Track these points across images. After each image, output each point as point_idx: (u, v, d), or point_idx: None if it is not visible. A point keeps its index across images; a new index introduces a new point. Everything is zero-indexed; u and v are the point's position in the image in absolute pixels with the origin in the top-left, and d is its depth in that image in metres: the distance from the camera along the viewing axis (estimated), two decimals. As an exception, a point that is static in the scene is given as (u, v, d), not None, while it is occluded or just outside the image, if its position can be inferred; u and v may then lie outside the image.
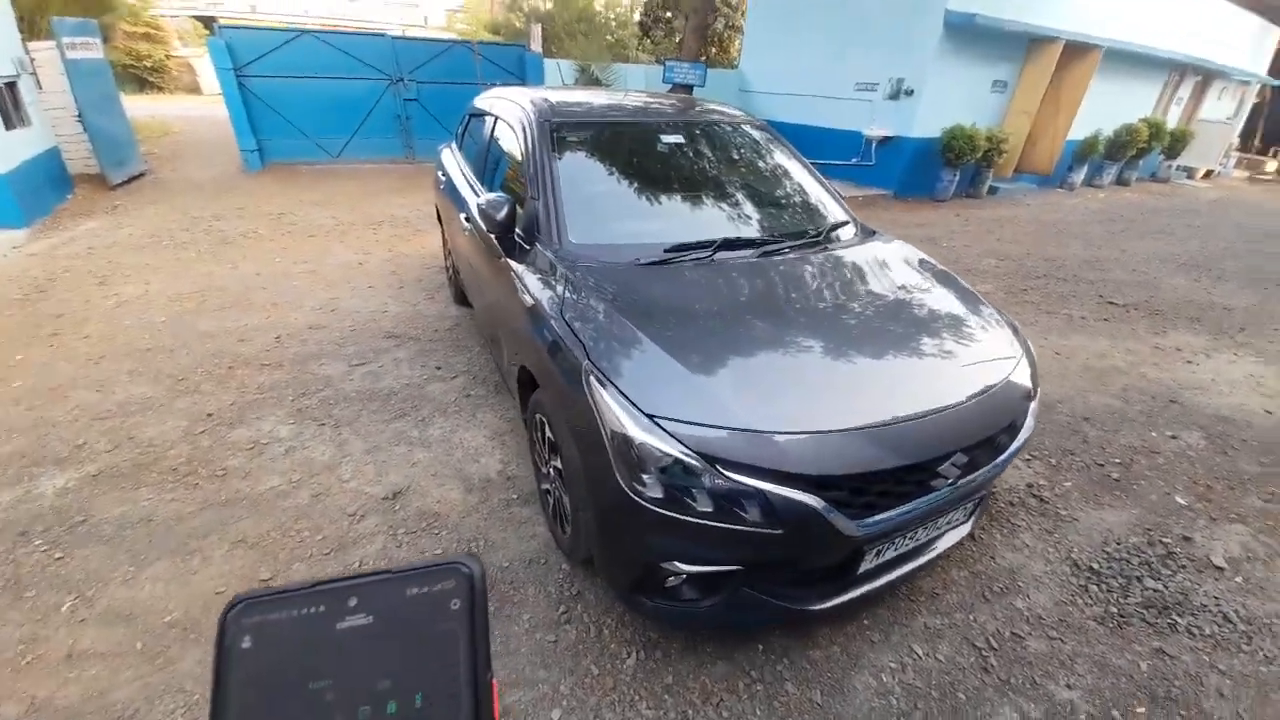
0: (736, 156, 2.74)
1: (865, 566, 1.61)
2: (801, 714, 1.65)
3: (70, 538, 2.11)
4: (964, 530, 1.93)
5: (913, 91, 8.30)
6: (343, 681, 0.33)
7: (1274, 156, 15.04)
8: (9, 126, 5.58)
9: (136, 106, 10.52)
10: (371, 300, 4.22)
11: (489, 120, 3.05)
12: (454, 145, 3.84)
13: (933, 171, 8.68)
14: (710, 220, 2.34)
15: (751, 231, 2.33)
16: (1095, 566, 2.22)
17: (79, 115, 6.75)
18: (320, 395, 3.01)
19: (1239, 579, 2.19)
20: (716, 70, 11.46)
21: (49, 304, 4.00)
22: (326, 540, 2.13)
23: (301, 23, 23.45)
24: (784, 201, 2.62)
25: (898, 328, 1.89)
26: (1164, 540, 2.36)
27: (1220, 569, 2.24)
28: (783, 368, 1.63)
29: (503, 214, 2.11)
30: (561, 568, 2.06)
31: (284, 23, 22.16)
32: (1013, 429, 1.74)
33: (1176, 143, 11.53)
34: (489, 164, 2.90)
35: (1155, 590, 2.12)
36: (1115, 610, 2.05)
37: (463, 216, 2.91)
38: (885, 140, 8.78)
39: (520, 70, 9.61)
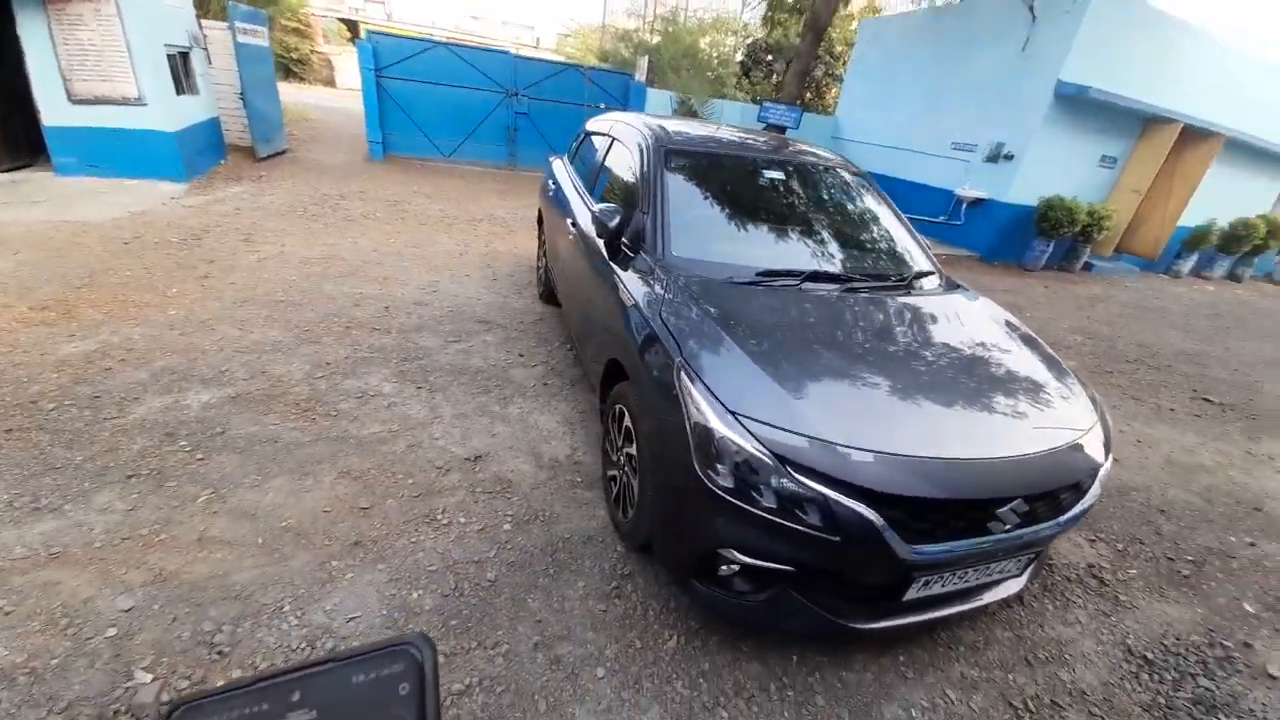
0: (830, 197, 2.90)
1: (912, 595, 1.68)
2: (828, 726, 1.72)
3: (210, 444, 2.48)
4: (1016, 585, 1.96)
5: (1012, 156, 8.17)
6: None
7: None
8: (179, 92, 6.53)
9: (281, 93, 11.86)
10: (468, 287, 4.62)
11: (604, 140, 3.36)
12: (565, 158, 4.19)
13: (1024, 239, 8.45)
14: (800, 252, 2.51)
15: (838, 268, 2.47)
16: (1150, 656, 2.17)
17: (241, 93, 7.75)
18: (419, 363, 3.35)
19: (1294, 692, 2.09)
20: (811, 115, 11.69)
21: (202, 250, 4.64)
22: (416, 485, 2.40)
23: (429, 33, 25.70)
24: (872, 245, 2.75)
25: (973, 378, 1.96)
26: (1224, 643, 2.28)
27: (1275, 678, 2.14)
28: (858, 393, 1.76)
29: (615, 222, 2.36)
30: (616, 549, 2.23)
31: (416, 31, 24.39)
32: (1078, 490, 1.78)
33: (1298, 244, 10.62)
34: (601, 179, 3.20)
35: (1207, 689, 2.06)
36: (1163, 701, 2.00)
37: (569, 222, 3.21)
38: (977, 202, 8.65)
39: (624, 97, 10.17)
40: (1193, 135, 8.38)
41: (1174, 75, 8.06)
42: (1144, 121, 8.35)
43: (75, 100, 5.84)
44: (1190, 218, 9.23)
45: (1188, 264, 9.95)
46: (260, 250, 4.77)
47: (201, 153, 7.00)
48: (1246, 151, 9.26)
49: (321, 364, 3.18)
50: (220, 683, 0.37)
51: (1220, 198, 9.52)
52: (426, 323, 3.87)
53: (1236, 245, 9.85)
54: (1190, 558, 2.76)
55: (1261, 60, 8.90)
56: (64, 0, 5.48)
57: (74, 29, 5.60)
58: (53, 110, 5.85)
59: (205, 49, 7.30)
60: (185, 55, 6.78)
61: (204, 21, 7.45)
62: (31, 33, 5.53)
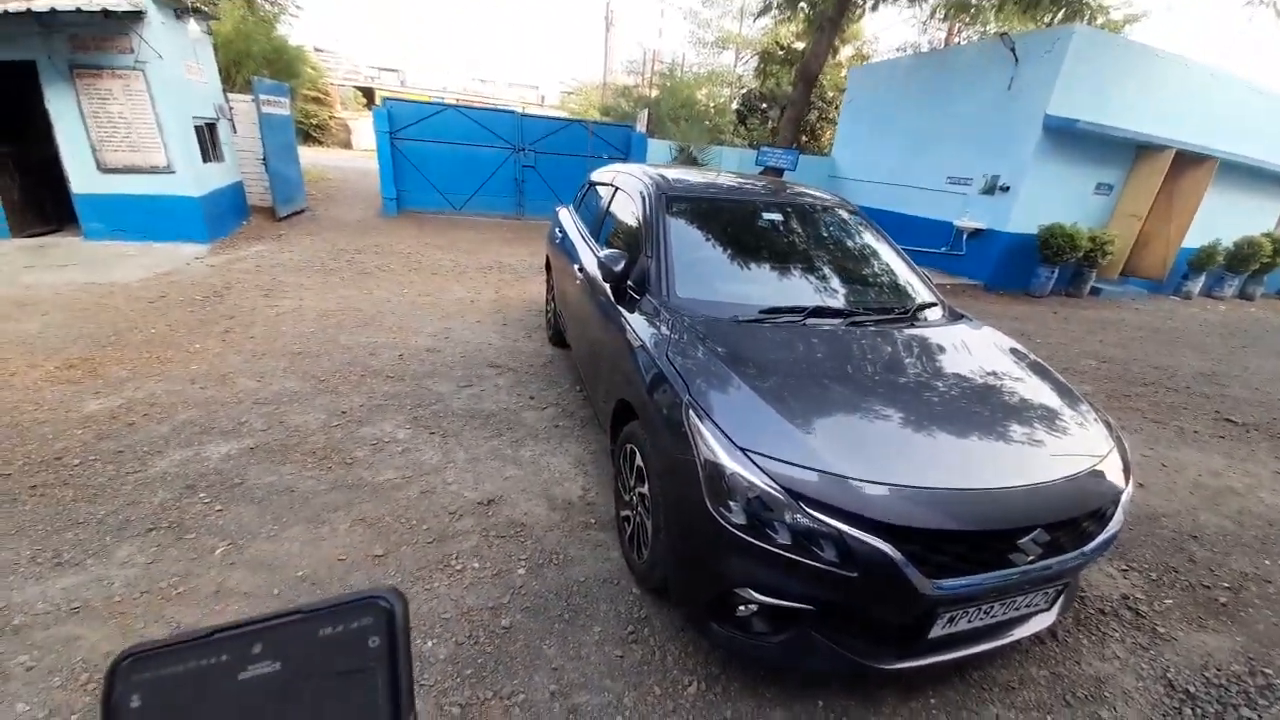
0: (828, 235, 2.98)
1: (937, 632, 1.63)
2: (859, 775, 1.64)
3: (229, 495, 2.52)
4: (1047, 620, 1.89)
5: (1008, 188, 8.32)
6: None
7: None
8: (205, 160, 6.92)
9: (301, 156, 12.56)
10: (479, 333, 4.72)
11: (608, 190, 3.50)
12: (571, 207, 4.35)
13: (1028, 266, 8.50)
14: (802, 289, 2.57)
15: (840, 303, 2.52)
16: (1191, 689, 2.06)
17: (263, 159, 8.20)
18: (432, 408, 3.40)
19: (1339, 720, 1.97)
20: (808, 156, 12.06)
21: (223, 306, 4.81)
22: (430, 531, 2.40)
23: (440, 96, 27.12)
24: (873, 279, 2.80)
25: (984, 407, 1.96)
26: (1265, 670, 2.18)
27: None
28: (868, 426, 1.77)
29: (620, 267, 2.44)
30: (632, 591, 2.19)
31: (427, 96, 25.79)
32: (1101, 519, 1.75)
33: (1307, 260, 10.58)
34: (606, 226, 3.32)
35: (1249, 719, 1.95)
36: (1209, 736, 1.90)
37: (576, 267, 3.31)
38: (977, 232, 8.76)
39: (626, 148, 10.59)
40: (1187, 160, 8.51)
41: (1164, 104, 8.27)
42: (1136, 149, 8.52)
43: (105, 169, 6.21)
44: (1195, 239, 9.26)
45: (1197, 284, 9.91)
46: (279, 305, 4.93)
47: (225, 215, 7.34)
48: (1245, 172, 9.36)
49: (337, 413, 3.24)
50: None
51: (1224, 218, 9.57)
52: (439, 369, 3.95)
53: (1244, 264, 9.83)
54: (1226, 584, 2.66)
55: (1256, 85, 9.12)
56: (93, 76, 5.90)
57: (104, 103, 6.01)
58: (82, 179, 6.21)
59: (231, 119, 7.77)
60: (212, 126, 7.21)
61: (230, 94, 7.96)
62: (61, 107, 5.92)
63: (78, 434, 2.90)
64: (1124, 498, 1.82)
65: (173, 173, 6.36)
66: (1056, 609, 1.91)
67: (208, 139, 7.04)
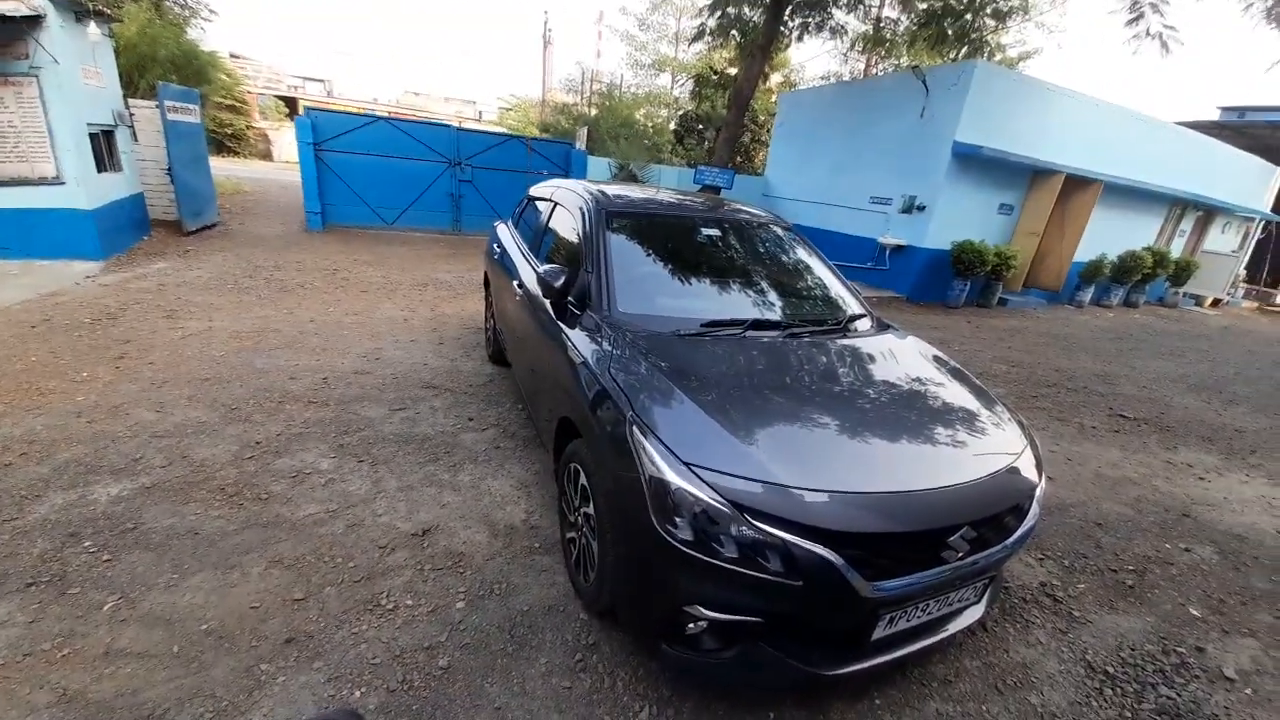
0: (765, 251, 3.07)
1: (879, 634, 1.67)
2: (812, 787, 1.64)
3: (119, 542, 2.23)
4: (977, 612, 1.98)
5: (924, 207, 8.96)
6: None
7: (1284, 288, 15.45)
8: (100, 169, 6.32)
9: (214, 167, 11.72)
10: (413, 352, 4.51)
11: (548, 205, 3.46)
12: (509, 223, 4.27)
13: (944, 280, 9.14)
14: (740, 303, 2.61)
15: (777, 316, 2.59)
16: (1110, 670, 2.21)
17: (169, 169, 7.57)
18: (361, 434, 3.19)
19: (1248, 690, 2.18)
20: (743, 176, 12.52)
21: (118, 330, 4.34)
22: (357, 569, 2.22)
23: (371, 109, 26.25)
24: (807, 292, 2.90)
25: (912, 412, 2.05)
26: (1178, 650, 2.35)
27: (1231, 680, 2.22)
28: (806, 435, 1.80)
29: (559, 282, 2.39)
30: (579, 617, 2.12)
31: (356, 107, 24.88)
32: (1020, 513, 1.85)
33: (1182, 271, 12.01)
34: (545, 241, 3.26)
35: (1169, 698, 2.10)
36: (1130, 715, 2.02)
37: (515, 284, 3.23)
38: (899, 248, 9.35)
39: (566, 164, 10.59)
40: (1076, 183, 9.50)
41: (1056, 132, 9.22)
42: (1032, 173, 9.42)
43: (-12, 182, 5.54)
44: (1085, 253, 10.30)
45: (1088, 294, 11.00)
46: (184, 327, 4.52)
47: (122, 229, 6.69)
48: (1128, 193, 10.53)
49: (250, 444, 2.97)
50: None
51: (1111, 234, 10.71)
52: (368, 392, 3.72)
53: (1128, 275, 11.01)
54: (1132, 567, 2.89)
55: (1136, 114, 10.29)
56: (-17, 85, 5.30)
57: (-7, 112, 5.39)
58: (-42, 193, 5.49)
59: (131, 127, 7.14)
60: (109, 133, 6.60)
61: (132, 100, 7.33)
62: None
63: (-67, 480, 2.50)
64: (1038, 492, 1.94)
65: (62, 184, 5.75)
66: (985, 601, 2.00)
67: (104, 148, 6.42)
